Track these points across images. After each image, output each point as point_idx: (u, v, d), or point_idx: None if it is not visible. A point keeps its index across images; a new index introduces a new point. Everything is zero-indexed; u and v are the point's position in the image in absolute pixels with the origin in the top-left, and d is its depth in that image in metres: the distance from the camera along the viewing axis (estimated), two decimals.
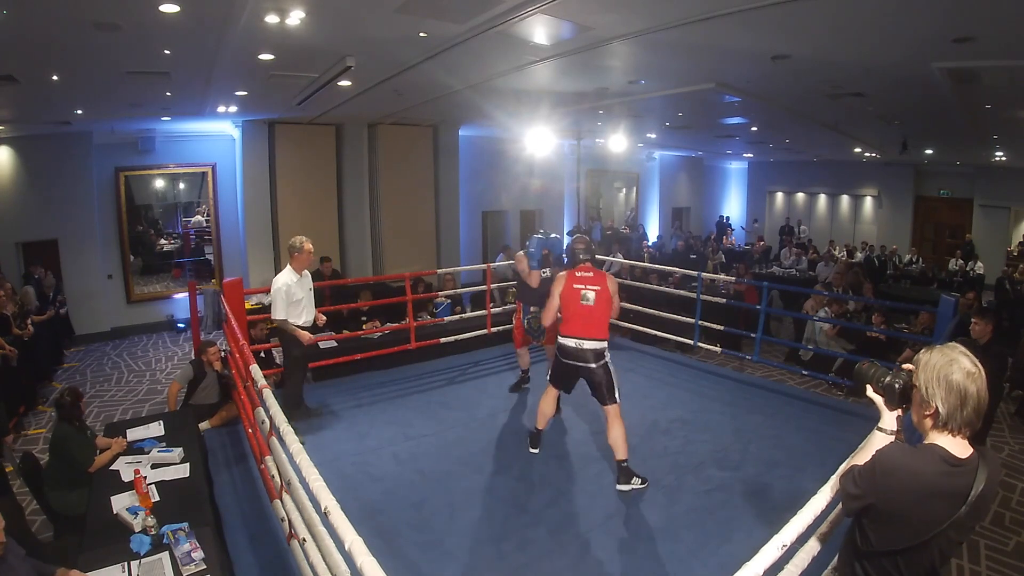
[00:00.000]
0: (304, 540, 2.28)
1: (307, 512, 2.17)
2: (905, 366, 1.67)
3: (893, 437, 1.71)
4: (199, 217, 9.83)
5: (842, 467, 1.84)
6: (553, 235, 4.89)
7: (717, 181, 19.04)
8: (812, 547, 2.00)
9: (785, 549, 1.70)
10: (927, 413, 1.52)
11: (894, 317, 7.36)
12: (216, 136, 9.36)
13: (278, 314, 4.32)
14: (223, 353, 5.03)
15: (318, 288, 6.95)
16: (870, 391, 1.75)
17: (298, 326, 4.41)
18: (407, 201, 10.24)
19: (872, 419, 1.81)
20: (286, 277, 4.38)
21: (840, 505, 1.94)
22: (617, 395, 3.64)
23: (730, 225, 17.71)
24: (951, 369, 1.47)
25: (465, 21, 3.98)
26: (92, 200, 8.61)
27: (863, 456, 1.67)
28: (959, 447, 1.51)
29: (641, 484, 3.64)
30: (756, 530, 3.10)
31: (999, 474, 1.58)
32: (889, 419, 1.73)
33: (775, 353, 7.80)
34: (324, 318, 4.77)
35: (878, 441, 1.71)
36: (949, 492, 1.48)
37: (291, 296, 4.34)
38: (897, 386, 1.66)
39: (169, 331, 9.30)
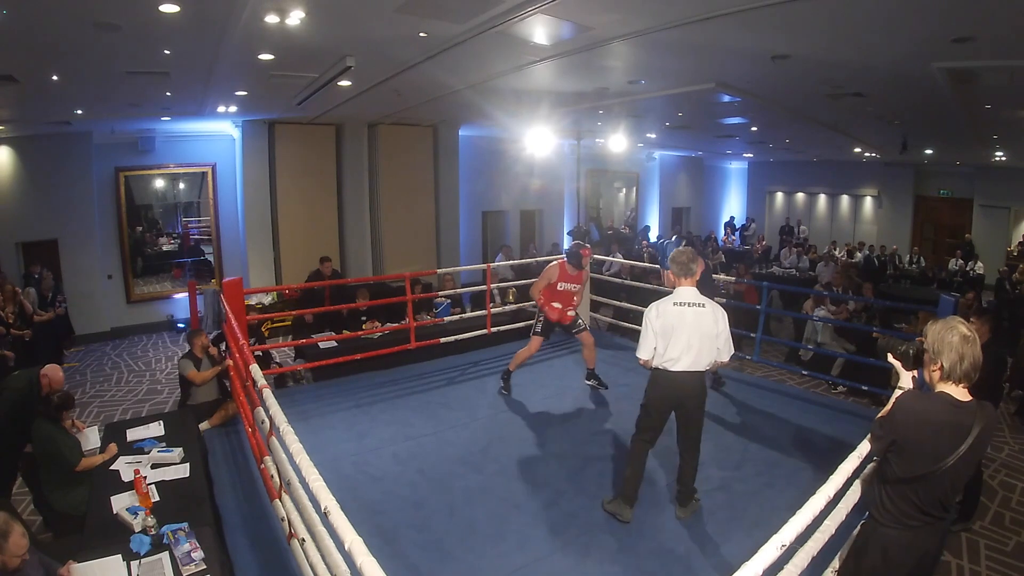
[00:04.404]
0: (304, 540, 2.28)
1: (307, 512, 2.16)
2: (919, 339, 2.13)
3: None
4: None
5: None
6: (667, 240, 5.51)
7: (717, 181, 19.04)
8: (812, 547, 2.00)
9: (785, 549, 1.70)
10: (934, 369, 1.94)
11: (894, 317, 7.36)
12: (216, 136, 9.36)
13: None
14: (224, 353, 5.02)
15: (318, 289, 7.02)
16: (890, 358, 2.24)
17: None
18: (407, 201, 10.24)
19: (869, 418, 1.86)
20: None
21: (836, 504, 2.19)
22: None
23: (732, 224, 17.76)
24: (952, 334, 1.90)
25: (465, 21, 3.98)
26: (92, 200, 8.61)
27: (886, 410, 2.09)
28: (961, 394, 1.92)
29: (500, 387, 5.13)
30: (756, 530, 3.10)
31: (995, 419, 1.99)
32: (906, 378, 2.21)
33: (775, 353, 7.79)
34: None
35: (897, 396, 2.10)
36: (955, 426, 1.88)
37: None
38: (911, 352, 2.14)
39: (169, 331, 9.30)
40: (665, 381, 3.17)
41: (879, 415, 2.13)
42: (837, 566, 2.38)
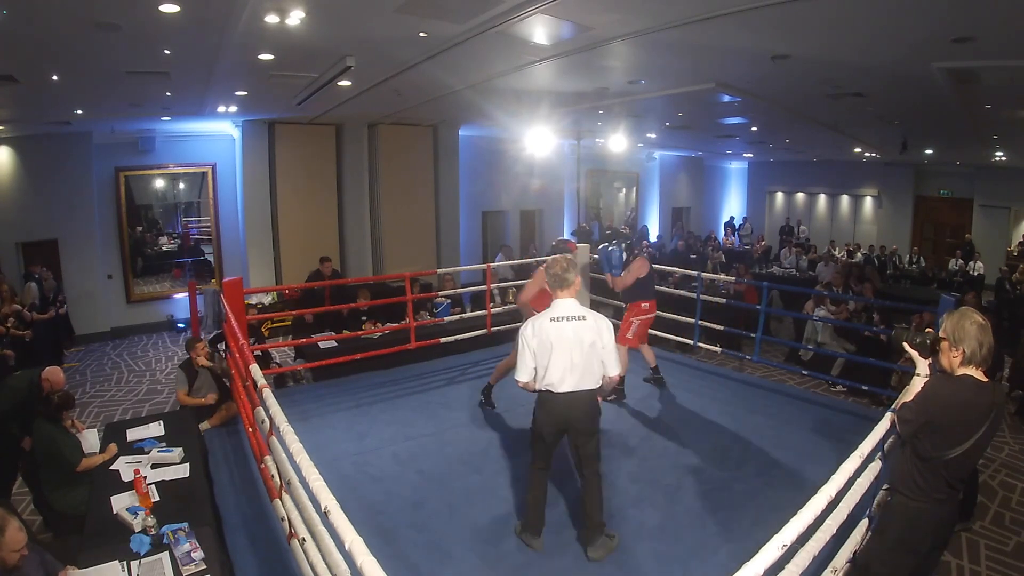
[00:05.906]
0: (304, 540, 2.28)
1: (307, 512, 2.16)
2: (927, 330, 2.51)
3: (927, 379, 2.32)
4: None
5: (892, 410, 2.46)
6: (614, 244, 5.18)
7: (717, 181, 19.04)
8: (813, 547, 2.00)
9: (785, 549, 1.69)
10: (956, 354, 2.15)
11: (894, 317, 7.36)
12: (216, 136, 9.37)
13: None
14: (224, 354, 5.03)
15: (318, 289, 7.02)
16: (907, 347, 2.38)
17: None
18: (407, 201, 10.24)
19: (869, 418, 1.86)
20: None
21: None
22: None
23: (732, 224, 17.75)
24: (970, 323, 2.12)
25: (465, 21, 3.98)
26: (92, 200, 8.61)
27: (909, 396, 2.28)
28: (981, 376, 2.15)
29: (482, 401, 4.83)
30: (756, 530, 3.10)
31: (1005, 395, 2.28)
32: (923, 366, 2.35)
33: (775, 353, 7.79)
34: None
35: (918, 383, 2.31)
36: (980, 404, 2.11)
37: None
38: (928, 341, 2.30)
39: (169, 331, 9.30)
40: (551, 404, 2.88)
41: (903, 401, 2.29)
42: (839, 566, 2.38)
